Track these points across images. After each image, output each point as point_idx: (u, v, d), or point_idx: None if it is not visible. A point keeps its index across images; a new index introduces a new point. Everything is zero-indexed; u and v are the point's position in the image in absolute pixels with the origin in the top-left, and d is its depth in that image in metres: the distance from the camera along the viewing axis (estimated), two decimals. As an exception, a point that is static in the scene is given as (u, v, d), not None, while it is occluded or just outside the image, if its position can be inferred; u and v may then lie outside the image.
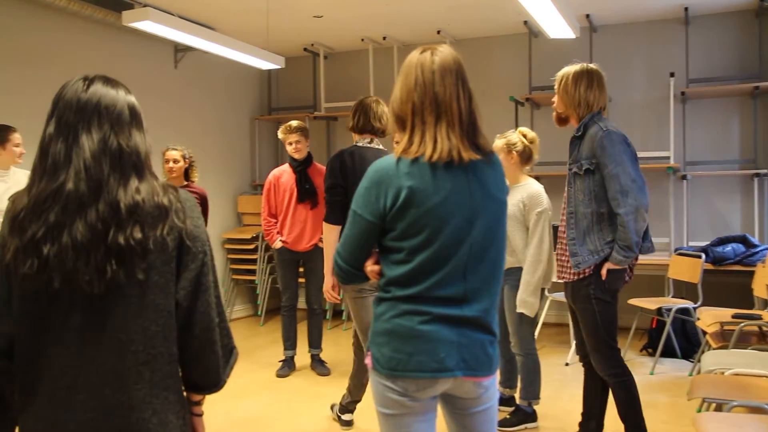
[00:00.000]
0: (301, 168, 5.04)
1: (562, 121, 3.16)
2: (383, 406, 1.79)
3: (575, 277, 3.06)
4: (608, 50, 6.51)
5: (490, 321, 1.80)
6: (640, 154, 5.96)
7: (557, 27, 5.08)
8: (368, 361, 1.82)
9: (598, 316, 3.03)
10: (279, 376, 5.05)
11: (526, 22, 6.46)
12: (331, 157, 3.76)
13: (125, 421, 1.39)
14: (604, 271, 2.99)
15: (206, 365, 1.50)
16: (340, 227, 3.42)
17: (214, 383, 1.53)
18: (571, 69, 3.10)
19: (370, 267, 1.84)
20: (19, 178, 4.21)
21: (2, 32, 5.08)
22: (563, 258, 3.12)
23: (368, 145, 3.75)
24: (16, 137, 4.15)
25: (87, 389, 1.38)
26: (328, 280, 3.66)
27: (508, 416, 3.87)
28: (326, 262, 3.65)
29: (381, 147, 3.78)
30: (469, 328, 1.76)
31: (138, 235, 1.38)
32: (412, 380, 1.73)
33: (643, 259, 5.60)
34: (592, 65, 3.10)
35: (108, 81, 1.50)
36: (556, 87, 3.13)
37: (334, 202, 3.55)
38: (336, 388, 4.41)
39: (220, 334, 1.51)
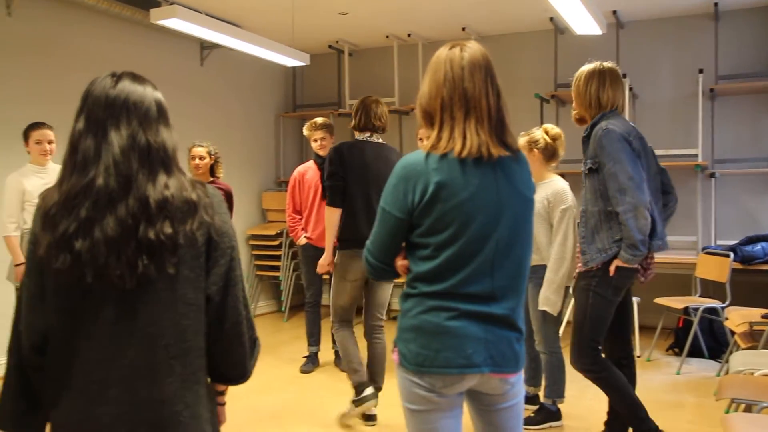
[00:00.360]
0: (323, 160, 5.06)
1: (580, 121, 3.16)
2: (410, 402, 1.79)
3: (582, 269, 3.07)
4: (635, 47, 6.45)
5: (516, 318, 1.80)
6: (667, 152, 6.01)
7: (584, 23, 5.03)
8: (395, 356, 1.82)
9: (589, 308, 3.03)
10: (303, 371, 5.07)
11: (552, 19, 6.41)
12: (332, 148, 4.04)
13: (157, 414, 1.40)
14: (612, 268, 2.97)
15: (234, 357, 1.52)
16: (340, 210, 3.86)
17: (242, 375, 1.56)
18: (584, 69, 3.09)
19: (400, 262, 1.85)
20: (57, 173, 4.28)
21: (33, 31, 5.15)
22: (578, 255, 3.14)
23: (368, 139, 3.98)
24: (38, 134, 4.19)
25: (119, 383, 1.39)
26: (327, 256, 4.00)
27: (532, 414, 3.85)
28: (327, 240, 4.00)
29: (380, 141, 4.02)
30: (496, 326, 1.76)
31: (168, 229, 1.39)
32: (439, 376, 1.74)
33: (668, 257, 5.55)
34: (606, 63, 3.08)
35: (136, 77, 1.51)
36: (572, 87, 3.14)
37: (334, 188, 3.87)
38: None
39: (246, 327, 1.53)
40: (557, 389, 3.84)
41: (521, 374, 1.86)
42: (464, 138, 1.74)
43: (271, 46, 5.46)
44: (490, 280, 1.74)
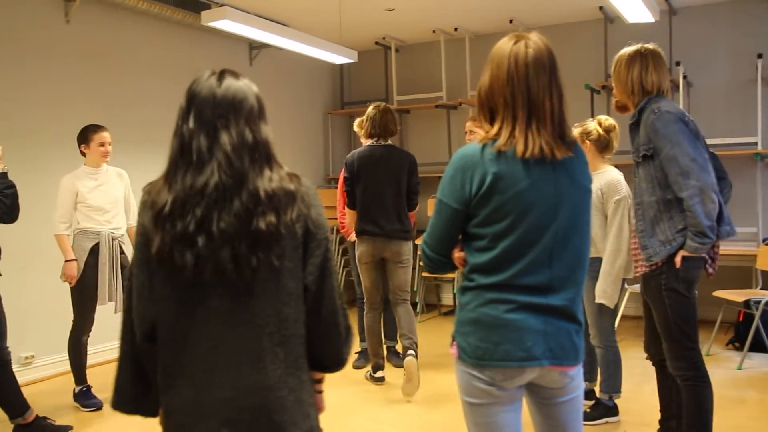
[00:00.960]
0: None
1: (622, 108, 2.98)
2: (469, 396, 1.80)
3: (647, 269, 2.87)
4: (689, 33, 6.29)
5: (575, 310, 1.78)
6: (724, 141, 5.86)
7: (635, 11, 4.94)
8: (454, 350, 1.82)
9: (669, 309, 2.81)
10: (355, 367, 5.11)
11: (601, 8, 6.31)
12: (347, 156, 4.64)
13: (263, 400, 1.45)
14: (678, 259, 2.75)
15: (331, 345, 1.57)
16: (355, 212, 4.53)
17: (338, 362, 1.61)
18: (624, 52, 2.90)
19: (457, 254, 1.84)
20: (110, 175, 4.39)
21: (89, 36, 5.30)
22: (637, 251, 2.95)
23: (375, 143, 4.57)
24: (101, 137, 4.27)
25: (226, 370, 1.45)
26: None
27: (588, 410, 3.80)
28: (349, 236, 4.74)
29: (388, 143, 4.61)
30: (555, 317, 1.74)
31: (274, 220, 1.45)
32: (499, 369, 1.73)
33: (728, 249, 5.41)
34: (648, 45, 2.89)
35: (235, 75, 1.56)
36: (612, 72, 2.97)
37: (348, 193, 4.57)
38: (440, 383, 4.42)
39: (341, 315, 1.58)
40: (614, 384, 3.79)
41: (581, 367, 1.84)
42: (526, 139, 1.72)
43: (318, 45, 5.51)
44: (548, 271, 1.73)
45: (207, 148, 1.47)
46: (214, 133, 1.48)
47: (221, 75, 1.54)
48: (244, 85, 1.55)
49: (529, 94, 1.74)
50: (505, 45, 1.80)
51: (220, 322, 1.46)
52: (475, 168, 1.72)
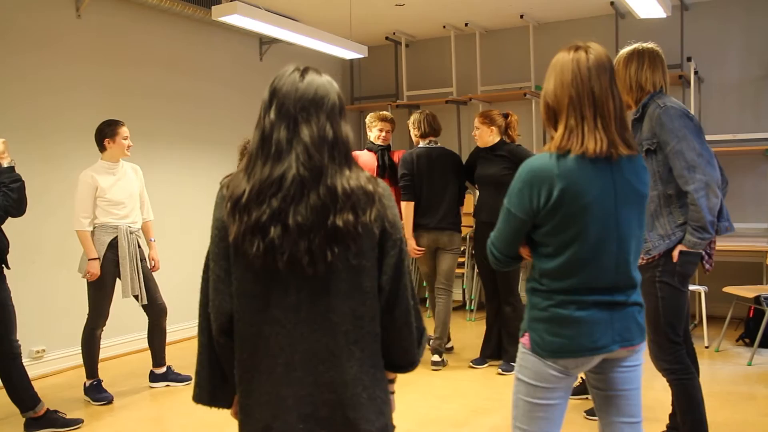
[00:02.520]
0: (382, 149, 5.28)
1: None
2: (538, 380, 1.93)
3: (642, 261, 2.86)
4: (701, 29, 6.25)
5: (635, 299, 1.95)
6: (735, 136, 5.82)
7: (647, 6, 4.91)
8: (526, 341, 1.96)
9: (660, 302, 2.84)
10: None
11: (612, 3, 6.28)
12: (405, 153, 5.08)
13: (339, 396, 1.47)
14: (675, 253, 2.80)
15: (404, 345, 1.59)
16: (413, 203, 4.89)
17: (411, 362, 1.62)
18: (623, 52, 2.98)
19: (522, 249, 1.98)
20: (126, 170, 4.41)
21: (100, 31, 5.32)
22: None
23: (430, 145, 5.02)
24: (125, 131, 4.32)
25: (303, 366, 1.47)
26: (411, 241, 4.89)
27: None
28: (406, 228, 4.88)
29: (438, 145, 5.06)
30: (619, 308, 1.91)
31: (352, 218, 1.46)
32: (572, 359, 1.90)
33: (738, 245, 5.39)
34: (646, 44, 2.95)
35: (318, 72, 1.57)
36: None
37: (407, 186, 4.91)
38: (450, 379, 4.44)
39: (414, 316, 1.59)
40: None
41: (644, 343, 2.00)
42: (594, 138, 1.83)
43: (329, 40, 5.51)
44: (614, 275, 1.88)
45: (287, 140, 1.48)
46: (295, 125, 1.49)
47: (304, 71, 1.55)
48: (327, 82, 1.55)
49: (593, 93, 1.85)
50: (566, 53, 1.93)
51: (296, 318, 1.47)
52: (542, 183, 1.83)
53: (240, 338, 1.52)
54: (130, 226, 4.32)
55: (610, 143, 1.83)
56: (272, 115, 1.51)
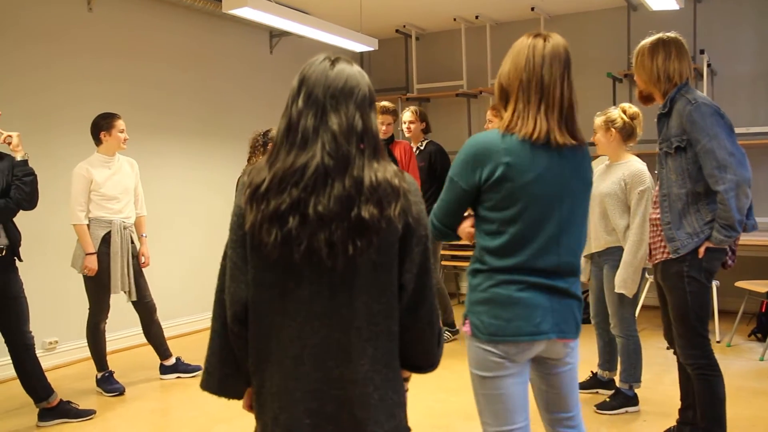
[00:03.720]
0: (385, 142, 5.19)
1: (646, 99, 2.96)
2: (482, 370, 1.93)
3: (667, 256, 2.86)
4: (714, 21, 6.21)
5: (576, 290, 1.97)
6: (748, 129, 5.78)
7: (659, -2, 4.88)
8: (467, 328, 1.96)
9: (689, 296, 2.82)
10: None
11: (625, -5, 6.24)
12: (436, 149, 5.31)
13: (348, 393, 1.44)
14: (701, 250, 2.77)
15: (425, 345, 1.56)
16: None
17: (432, 363, 1.59)
18: (646, 41, 2.90)
19: (467, 230, 2.01)
20: (122, 164, 4.40)
21: (111, 25, 5.33)
22: (656, 240, 2.94)
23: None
24: (121, 124, 4.29)
25: (312, 360, 1.44)
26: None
27: (607, 399, 3.79)
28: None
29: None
30: (559, 296, 1.92)
31: (376, 212, 1.41)
32: (512, 344, 1.89)
33: (751, 239, 5.35)
34: (670, 34, 2.88)
35: (349, 62, 1.53)
36: (633, 63, 2.95)
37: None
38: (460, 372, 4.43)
39: (435, 316, 1.55)
40: (634, 373, 3.77)
41: (578, 340, 2.02)
42: (535, 122, 1.86)
43: (339, 32, 5.50)
44: (557, 257, 1.90)
45: (313, 128, 1.44)
46: (323, 113, 1.45)
47: (335, 60, 1.51)
48: (357, 73, 1.51)
49: (542, 80, 1.88)
50: (524, 39, 1.96)
51: (309, 311, 1.44)
52: (488, 157, 1.87)
53: (254, 327, 1.49)
54: (124, 221, 4.30)
55: (549, 130, 1.86)
56: (300, 103, 1.47)
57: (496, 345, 1.89)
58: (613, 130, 3.63)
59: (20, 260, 3.67)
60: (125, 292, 4.32)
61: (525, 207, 1.85)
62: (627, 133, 3.64)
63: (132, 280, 4.30)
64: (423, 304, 1.51)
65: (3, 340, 3.66)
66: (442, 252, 6.77)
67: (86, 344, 4.35)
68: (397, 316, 1.49)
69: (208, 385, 1.61)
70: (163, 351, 4.62)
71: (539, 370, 2.04)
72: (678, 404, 3.29)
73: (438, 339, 1.57)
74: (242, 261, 1.49)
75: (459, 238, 2.05)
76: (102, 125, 4.27)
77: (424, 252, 1.50)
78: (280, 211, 1.41)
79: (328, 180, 1.41)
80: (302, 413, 1.45)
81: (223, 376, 1.59)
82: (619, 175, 3.59)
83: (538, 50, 1.90)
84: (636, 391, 3.81)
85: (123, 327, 5.11)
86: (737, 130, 2.99)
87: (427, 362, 1.58)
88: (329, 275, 1.43)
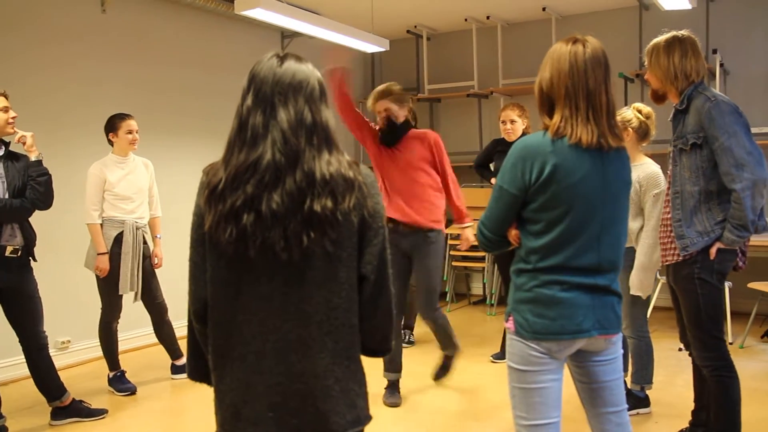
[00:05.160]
0: (396, 130, 4.96)
1: (659, 98, 2.93)
2: (523, 364, 2.00)
3: (679, 258, 2.85)
4: (727, 20, 6.17)
5: (616, 287, 2.04)
6: (761, 130, 5.73)
7: (672, -2, 4.85)
8: (510, 325, 2.02)
9: (701, 298, 2.80)
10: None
11: (636, -5, 6.21)
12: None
13: (309, 387, 1.47)
14: (713, 251, 2.75)
15: (384, 333, 1.61)
16: None
17: (388, 348, 1.65)
18: (660, 39, 2.88)
19: (513, 232, 2.05)
20: (137, 164, 4.42)
21: (124, 26, 5.36)
22: (666, 240, 2.93)
23: None
24: (129, 124, 4.30)
25: (274, 355, 1.47)
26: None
27: (618, 401, 3.78)
28: None
29: None
30: (601, 293, 1.99)
31: (330, 204, 1.43)
32: (555, 341, 1.97)
33: (763, 240, 5.31)
34: (683, 32, 2.87)
35: (298, 58, 1.56)
36: (646, 61, 2.93)
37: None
38: (471, 373, 4.44)
39: (393, 303, 1.61)
40: (645, 375, 3.75)
41: (621, 333, 2.09)
42: (586, 128, 1.92)
43: (350, 33, 5.51)
44: (596, 255, 1.96)
45: (263, 125, 1.46)
46: (272, 110, 1.47)
47: (284, 57, 1.54)
48: (306, 68, 1.54)
49: (587, 86, 1.94)
50: (563, 45, 2.00)
51: (269, 307, 1.46)
52: (535, 157, 1.92)
53: (214, 325, 1.52)
54: (136, 222, 4.32)
55: (600, 135, 1.92)
56: (249, 100, 1.50)
57: (539, 342, 1.96)
58: (630, 129, 3.59)
59: (35, 260, 3.69)
60: (135, 293, 4.33)
61: (570, 207, 1.92)
62: (643, 132, 3.60)
63: (140, 281, 4.31)
64: (382, 294, 1.55)
65: (17, 339, 3.68)
66: (452, 252, 6.77)
67: (98, 344, 4.38)
68: (356, 308, 1.52)
69: (189, 374, 1.70)
70: (174, 351, 4.64)
71: (581, 362, 2.09)
72: (690, 405, 3.27)
73: (393, 324, 1.62)
74: (202, 260, 1.53)
75: (509, 245, 2.08)
76: (108, 127, 4.31)
77: (383, 242, 1.54)
78: (235, 208, 1.43)
79: (279, 175, 1.43)
80: (265, 407, 1.47)
81: (196, 366, 1.66)
82: (634, 178, 3.55)
83: (580, 56, 1.95)
84: (647, 392, 3.79)
85: (135, 327, 5.14)
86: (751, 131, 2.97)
87: (383, 347, 1.63)
88: (287, 271, 1.45)
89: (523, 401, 2.02)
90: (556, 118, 1.95)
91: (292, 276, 1.46)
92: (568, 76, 1.94)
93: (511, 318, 2.03)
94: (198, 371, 1.66)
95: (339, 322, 1.49)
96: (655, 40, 2.91)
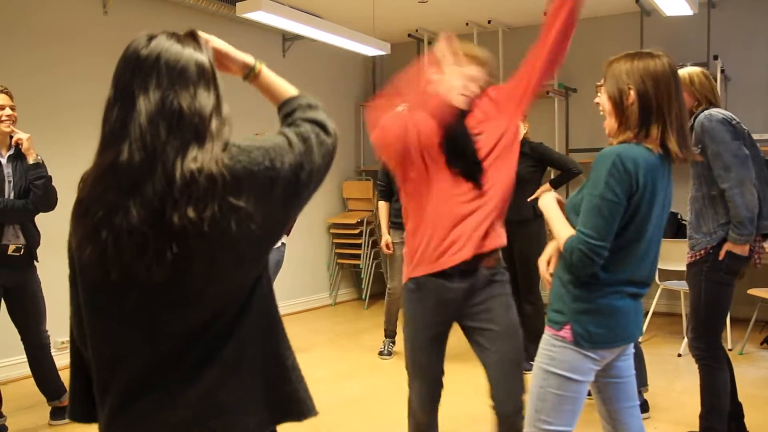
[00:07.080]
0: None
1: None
2: (574, 372, 2.00)
3: (692, 258, 3.07)
4: (728, 26, 6.18)
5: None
6: (762, 136, 5.73)
7: (673, 3, 4.86)
8: (567, 334, 2.00)
9: (703, 293, 3.01)
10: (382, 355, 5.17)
11: (637, 1, 6.22)
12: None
13: (197, 410, 1.23)
14: (722, 252, 2.96)
15: (273, 345, 1.35)
16: None
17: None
18: (692, 71, 3.12)
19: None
20: None
21: (126, 28, 5.38)
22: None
23: None
24: None
25: (154, 387, 1.23)
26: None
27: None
28: None
29: None
30: (639, 300, 2.08)
31: (192, 214, 1.14)
32: (609, 349, 2.03)
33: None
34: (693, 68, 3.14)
35: (174, 35, 1.27)
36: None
37: None
38: (473, 376, 4.42)
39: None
40: (641, 378, 3.74)
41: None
42: (678, 138, 1.96)
43: (352, 36, 5.52)
44: (650, 269, 2.04)
45: (121, 120, 1.18)
46: (131, 100, 1.18)
47: (154, 35, 1.25)
48: (179, 47, 1.24)
49: (679, 100, 1.99)
50: (652, 60, 1.99)
51: (143, 334, 1.22)
52: (635, 169, 1.90)
53: (92, 354, 1.27)
54: None
55: (682, 146, 1.96)
56: (110, 91, 1.22)
57: (596, 351, 2.00)
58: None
59: (37, 261, 3.70)
60: None
61: (645, 224, 1.96)
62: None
63: None
64: (269, 305, 1.34)
65: (17, 338, 3.69)
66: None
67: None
68: (245, 320, 1.27)
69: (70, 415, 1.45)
70: None
71: (612, 361, 2.12)
72: (690, 412, 3.28)
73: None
74: (74, 287, 1.29)
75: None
76: None
77: (263, 251, 1.29)
78: (94, 224, 1.17)
79: (136, 182, 1.15)
80: None
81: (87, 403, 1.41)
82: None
83: (670, 70, 1.98)
84: (646, 397, 3.79)
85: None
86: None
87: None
88: (157, 293, 1.19)
89: (556, 407, 2.03)
90: (654, 128, 1.95)
91: (162, 299, 1.20)
92: (665, 90, 1.96)
93: (567, 328, 1.99)
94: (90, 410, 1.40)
95: (221, 337, 1.25)
96: (686, 70, 3.12)
